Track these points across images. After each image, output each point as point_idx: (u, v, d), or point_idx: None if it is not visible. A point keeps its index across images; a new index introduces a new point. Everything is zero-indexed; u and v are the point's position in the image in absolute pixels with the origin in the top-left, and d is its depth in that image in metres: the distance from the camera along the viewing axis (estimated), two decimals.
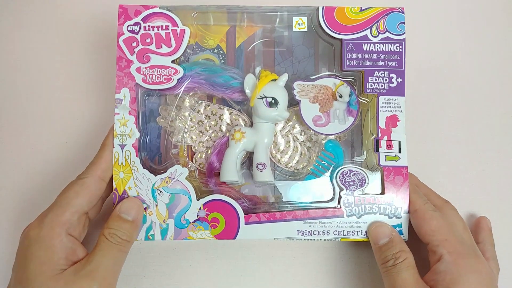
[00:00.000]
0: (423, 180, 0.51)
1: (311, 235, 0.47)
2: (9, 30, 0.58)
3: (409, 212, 0.47)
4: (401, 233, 0.47)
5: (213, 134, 0.51)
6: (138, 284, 0.52)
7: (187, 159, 0.51)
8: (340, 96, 0.48)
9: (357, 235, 0.47)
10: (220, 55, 0.52)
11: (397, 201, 0.47)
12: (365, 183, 0.48)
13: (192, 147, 0.51)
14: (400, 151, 0.48)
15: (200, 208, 0.47)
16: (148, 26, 0.48)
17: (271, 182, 0.49)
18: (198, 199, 0.47)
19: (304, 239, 0.47)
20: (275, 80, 0.49)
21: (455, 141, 0.56)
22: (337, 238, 0.47)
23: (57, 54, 0.58)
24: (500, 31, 0.59)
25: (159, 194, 0.47)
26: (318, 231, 0.47)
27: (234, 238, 0.47)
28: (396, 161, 0.47)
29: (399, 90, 0.48)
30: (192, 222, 0.47)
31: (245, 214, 0.47)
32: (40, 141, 0.55)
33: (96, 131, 0.55)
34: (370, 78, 0.48)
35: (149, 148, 0.50)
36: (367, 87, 0.48)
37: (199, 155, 0.51)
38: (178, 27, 0.48)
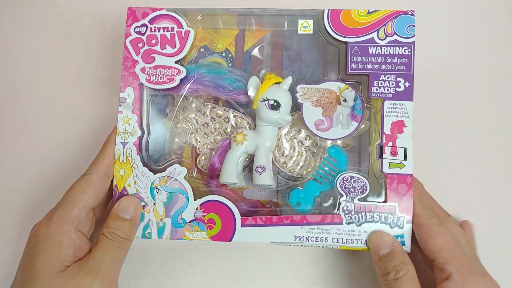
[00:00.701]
0: (423, 181, 0.49)
1: (308, 241, 0.46)
2: (9, 30, 0.59)
3: (412, 223, 0.45)
4: (403, 243, 0.45)
5: (218, 137, 0.51)
6: (138, 284, 0.52)
7: (191, 160, 0.51)
8: (344, 101, 0.47)
9: (356, 243, 0.45)
10: (228, 59, 0.52)
11: (400, 210, 0.45)
12: (366, 190, 0.46)
13: (197, 149, 0.51)
14: (405, 158, 0.45)
15: (197, 209, 0.47)
16: (154, 27, 0.49)
17: (271, 186, 0.48)
18: (195, 199, 0.47)
19: (301, 245, 0.46)
20: (279, 83, 0.49)
21: (455, 141, 0.55)
22: (336, 246, 0.46)
23: (57, 55, 0.59)
24: (500, 31, 0.57)
25: (157, 192, 0.47)
26: (315, 237, 0.46)
27: (230, 241, 0.46)
28: (400, 168, 0.45)
29: (407, 95, 0.46)
30: (189, 222, 0.46)
31: (242, 216, 0.46)
32: (41, 141, 0.56)
33: (97, 131, 0.56)
34: (375, 82, 0.46)
35: (153, 147, 0.50)
36: (372, 91, 0.46)
37: (203, 156, 0.51)
38: (183, 28, 0.48)
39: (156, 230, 0.47)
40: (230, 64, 0.52)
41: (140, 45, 0.49)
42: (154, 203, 0.47)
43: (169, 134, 0.51)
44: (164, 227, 0.47)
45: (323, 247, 0.46)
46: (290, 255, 0.52)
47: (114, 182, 0.47)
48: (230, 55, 0.52)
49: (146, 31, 0.49)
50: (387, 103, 0.46)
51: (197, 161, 0.51)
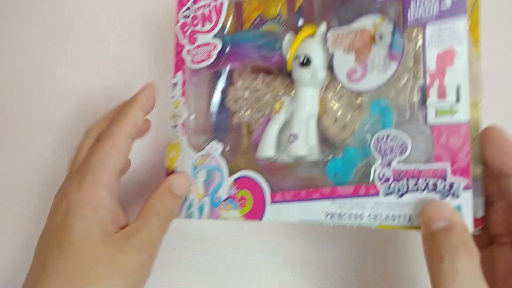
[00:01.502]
0: None
1: (340, 219, 0.36)
2: (10, 30, 0.60)
3: None
4: None
5: (268, 110, 0.46)
6: None
7: (247, 137, 0.48)
8: (381, 37, 0.36)
9: (398, 221, 0.34)
10: (280, 23, 0.47)
11: (453, 172, 0.31)
12: (406, 150, 0.34)
13: (251, 125, 0.47)
14: (458, 100, 0.32)
15: (231, 185, 0.43)
16: (196, 7, 0.48)
17: (305, 156, 0.40)
18: (229, 176, 0.43)
19: (333, 224, 0.37)
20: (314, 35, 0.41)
21: None
22: (373, 225, 0.35)
23: (56, 53, 0.58)
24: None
25: (198, 171, 0.45)
26: (349, 214, 0.36)
27: (261, 219, 0.41)
28: (452, 115, 0.32)
29: (457, 10, 0.32)
30: (224, 200, 0.43)
31: (271, 192, 0.40)
32: (41, 141, 0.57)
33: None
34: (412, 2, 0.34)
35: (201, 128, 0.49)
36: (409, 17, 0.34)
37: (256, 133, 0.47)
38: (217, 0, 0.47)
39: (197, 210, 0.45)
40: (283, 29, 0.47)
41: (186, 28, 0.49)
42: (196, 183, 0.45)
43: (228, 113, 0.49)
44: (204, 206, 0.45)
45: (358, 226, 0.36)
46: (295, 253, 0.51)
47: (166, 164, 0.48)
48: (282, 19, 0.47)
49: (190, 13, 0.49)
50: (429, 29, 0.33)
51: (251, 138, 0.47)
